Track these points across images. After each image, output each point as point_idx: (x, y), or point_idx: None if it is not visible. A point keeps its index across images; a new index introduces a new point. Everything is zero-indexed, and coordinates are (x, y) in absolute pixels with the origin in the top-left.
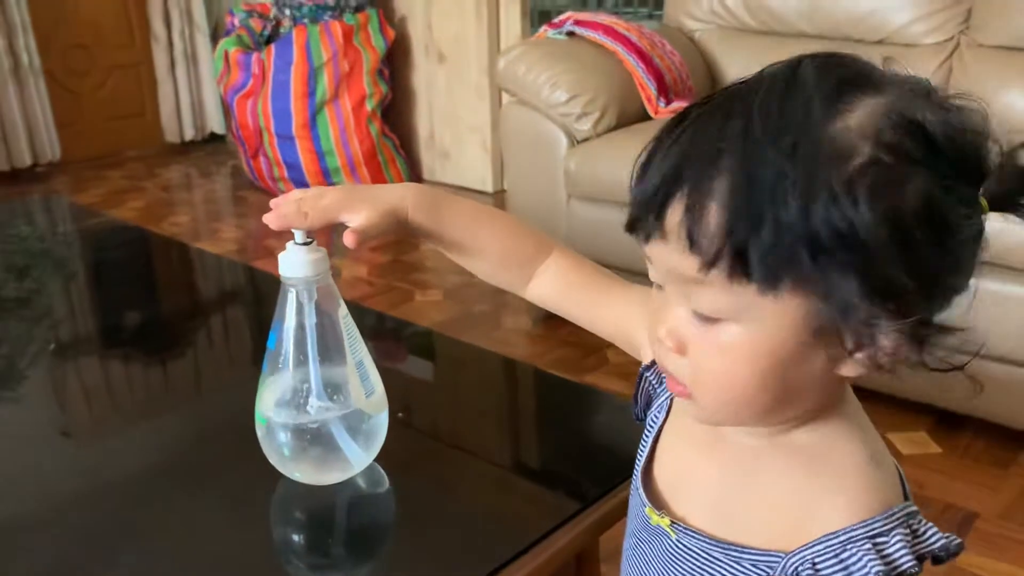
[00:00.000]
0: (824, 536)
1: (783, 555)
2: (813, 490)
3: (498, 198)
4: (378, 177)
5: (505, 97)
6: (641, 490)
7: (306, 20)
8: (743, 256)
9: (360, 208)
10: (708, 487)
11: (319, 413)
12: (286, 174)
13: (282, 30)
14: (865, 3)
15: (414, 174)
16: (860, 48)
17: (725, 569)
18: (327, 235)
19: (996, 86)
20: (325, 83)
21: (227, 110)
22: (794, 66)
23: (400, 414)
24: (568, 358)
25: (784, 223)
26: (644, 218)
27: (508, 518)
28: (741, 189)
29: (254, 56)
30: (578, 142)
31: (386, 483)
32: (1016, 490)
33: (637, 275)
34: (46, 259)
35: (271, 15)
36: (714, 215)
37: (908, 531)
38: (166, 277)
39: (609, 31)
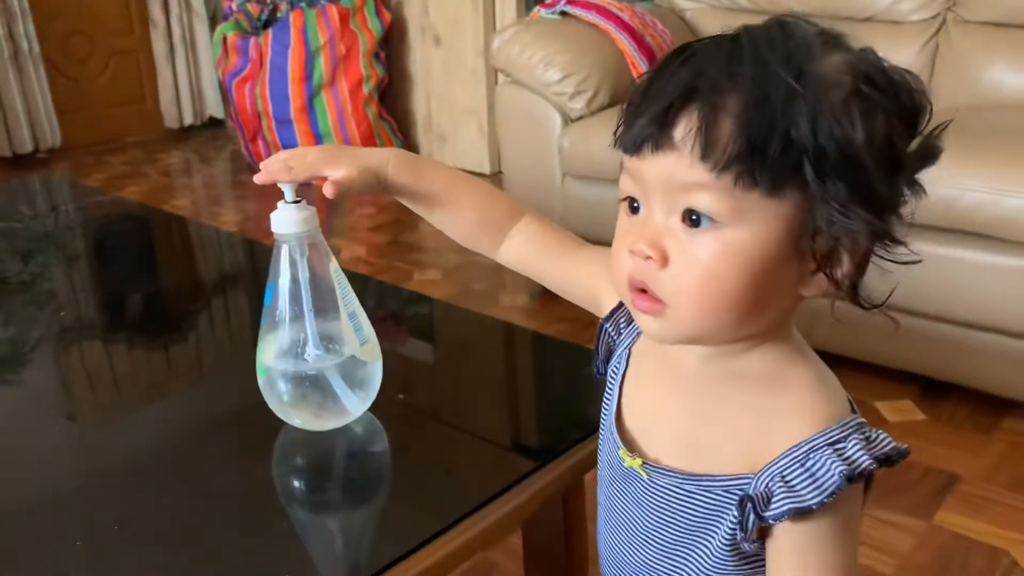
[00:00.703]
0: (788, 450)
1: (752, 476)
2: (771, 411)
3: (495, 180)
4: None
5: (500, 78)
6: (616, 435)
7: (303, 4)
8: (752, 163)
9: (342, 164)
10: (674, 425)
11: (315, 361)
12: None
13: (279, 14)
14: None
15: None
16: (848, 26)
17: (699, 500)
18: (323, 215)
19: (983, 62)
20: (322, 67)
21: (226, 95)
22: (778, 20)
23: (400, 395)
24: (564, 332)
25: (793, 136)
26: (650, 131)
27: (495, 459)
28: (754, 103)
29: (252, 40)
30: (572, 121)
31: (381, 429)
32: (998, 454)
33: None
34: (52, 236)
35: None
36: (727, 126)
37: (862, 437)
38: (173, 250)
39: (601, 10)
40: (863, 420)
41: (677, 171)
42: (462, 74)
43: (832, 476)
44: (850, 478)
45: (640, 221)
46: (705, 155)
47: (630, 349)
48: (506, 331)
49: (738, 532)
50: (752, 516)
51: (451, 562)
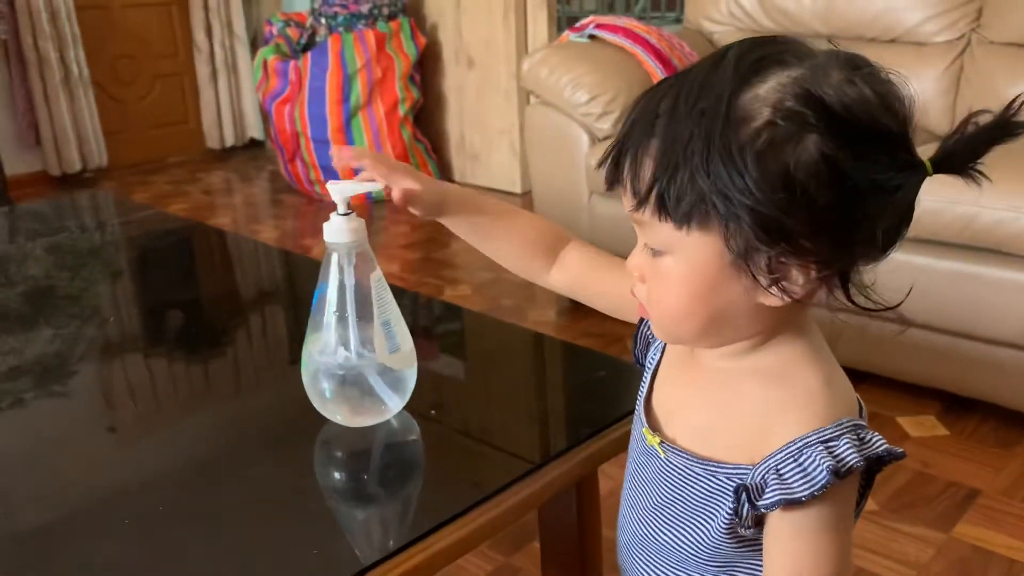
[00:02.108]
0: (784, 446)
1: (751, 467)
2: (774, 408)
3: (526, 199)
4: None
5: (531, 99)
6: (643, 415)
7: (341, 28)
8: (663, 199)
9: (415, 179)
10: (692, 412)
11: (352, 363)
12: (322, 177)
13: (318, 38)
14: (878, 3)
15: (445, 176)
16: (873, 47)
17: (704, 483)
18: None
19: (1006, 82)
20: (359, 89)
21: (266, 116)
22: (724, 50)
23: (433, 412)
24: (590, 346)
25: (691, 174)
26: (609, 171)
27: (515, 450)
28: (664, 146)
29: (291, 64)
30: (599, 140)
31: (414, 425)
32: (1019, 469)
33: None
34: (99, 248)
35: (307, 24)
36: (647, 167)
37: (855, 437)
38: (216, 262)
39: (629, 34)
40: (862, 423)
41: (626, 204)
42: (495, 96)
43: (821, 472)
44: (837, 473)
45: (638, 244)
46: (633, 193)
47: (665, 343)
48: (529, 338)
49: (735, 518)
50: (747, 505)
51: (473, 540)
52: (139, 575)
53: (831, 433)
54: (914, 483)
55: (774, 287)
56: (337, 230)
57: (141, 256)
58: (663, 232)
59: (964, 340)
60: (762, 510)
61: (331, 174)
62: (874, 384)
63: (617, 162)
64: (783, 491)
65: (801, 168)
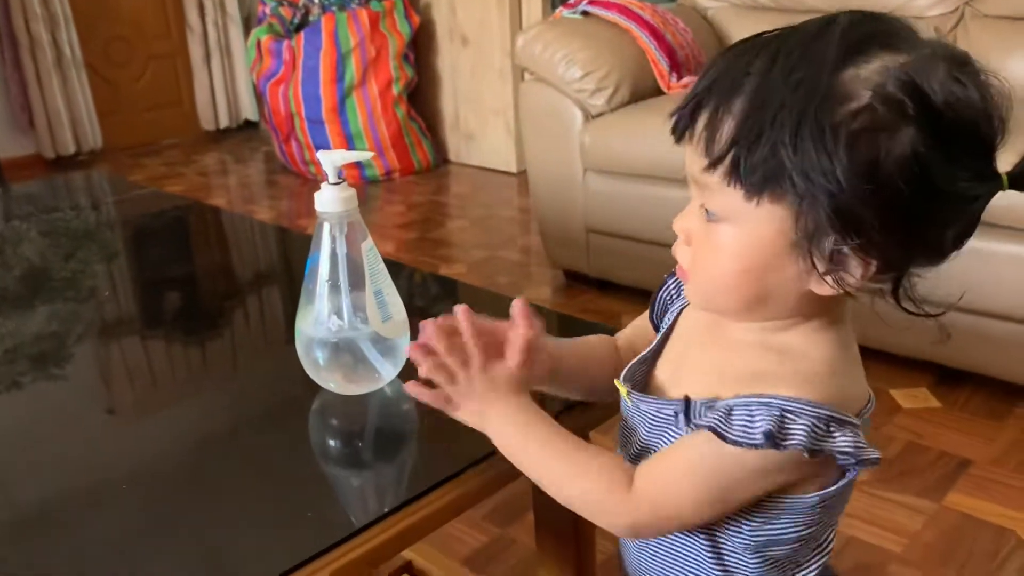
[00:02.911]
0: (752, 394)
1: (717, 400)
2: (768, 373)
3: (521, 179)
4: (405, 160)
5: (526, 76)
6: (624, 371)
7: (334, 7)
8: (737, 164)
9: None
10: (699, 374)
11: (345, 331)
12: (316, 157)
13: (311, 17)
14: None
15: (440, 156)
16: None
17: (675, 426)
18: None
19: (1000, 56)
20: (353, 68)
21: (260, 97)
22: (832, 17)
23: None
24: None
25: (775, 145)
26: (681, 121)
27: None
28: (751, 109)
29: (285, 43)
30: (593, 117)
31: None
32: (1010, 439)
33: (647, 243)
34: (96, 225)
35: (300, 3)
36: (727, 127)
37: (821, 426)
38: (212, 238)
39: (622, 10)
40: (845, 418)
41: (692, 162)
42: (489, 74)
43: (760, 430)
44: (769, 438)
45: (690, 202)
46: (707, 151)
47: (681, 309)
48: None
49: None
50: (682, 416)
51: (464, 503)
52: (134, 540)
53: (798, 407)
54: (906, 454)
55: (829, 276)
56: (328, 199)
57: (138, 234)
58: (728, 198)
59: (956, 313)
60: (693, 425)
61: None
62: (867, 358)
63: (693, 115)
64: (720, 424)
65: (891, 161)
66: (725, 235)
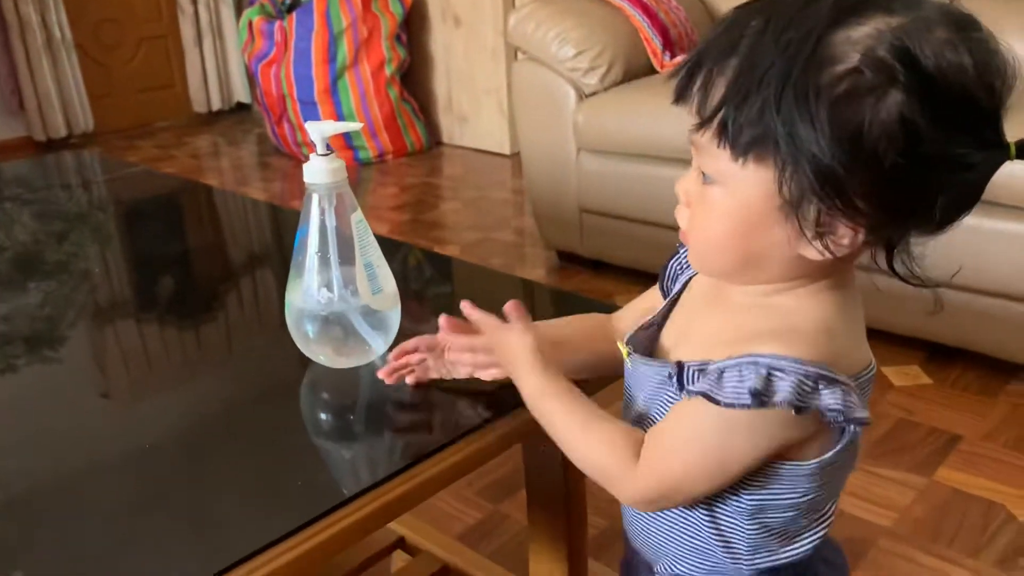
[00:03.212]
0: (742, 355)
1: (710, 363)
2: (761, 333)
3: (515, 160)
4: (398, 141)
5: (519, 56)
6: (627, 335)
7: None
8: (725, 125)
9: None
10: (701, 337)
11: (334, 303)
12: (309, 140)
13: None
14: None
15: (433, 138)
16: None
17: (671, 388)
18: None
19: (993, 32)
20: (345, 49)
21: (252, 79)
22: None
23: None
24: None
25: (762, 106)
26: (679, 82)
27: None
28: (741, 70)
29: (276, 24)
30: (586, 96)
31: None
32: (1000, 416)
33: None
34: (89, 204)
35: None
36: (719, 87)
37: (808, 383)
38: (204, 216)
39: None
40: (835, 377)
41: (689, 124)
42: (482, 55)
43: (746, 393)
44: (754, 396)
45: (691, 167)
46: (699, 111)
47: (690, 278)
48: (516, 284)
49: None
50: (676, 381)
51: (455, 472)
52: (126, 512)
53: (786, 365)
54: (897, 430)
55: (818, 241)
56: (317, 170)
57: (130, 213)
58: (719, 160)
59: (948, 290)
60: (686, 392)
61: None
62: None
63: (691, 75)
64: (712, 388)
65: (876, 125)
66: (716, 196)
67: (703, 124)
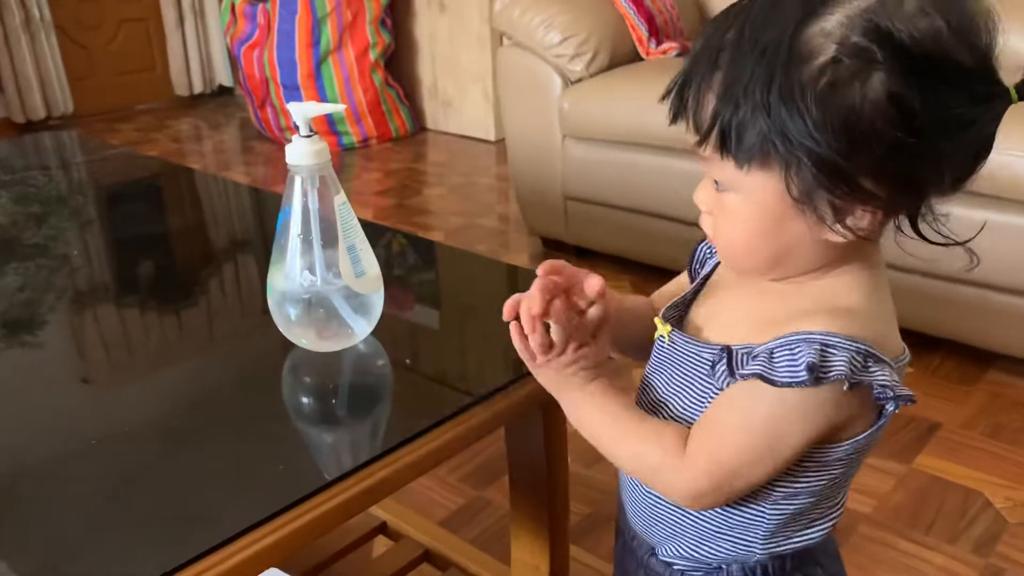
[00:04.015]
0: (790, 333)
1: (754, 345)
2: (803, 312)
3: (500, 147)
4: (382, 126)
5: (504, 42)
6: (660, 312)
7: None
8: (725, 137)
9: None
10: (733, 317)
11: (317, 286)
12: (292, 123)
13: None
14: None
15: (418, 124)
16: None
17: (707, 366)
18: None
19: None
20: (329, 33)
21: (234, 62)
22: None
23: (410, 359)
24: None
25: (752, 114)
26: (673, 104)
27: (480, 371)
28: (726, 83)
29: (260, 7)
30: (572, 83)
31: (381, 349)
32: (979, 404)
33: (625, 210)
34: (68, 186)
35: None
36: (710, 102)
37: (860, 359)
38: (185, 198)
39: None
40: (882, 357)
41: (690, 140)
42: (467, 40)
43: (802, 369)
44: (812, 370)
45: (704, 176)
46: (696, 127)
47: (719, 262)
48: (499, 269)
49: (711, 379)
50: (724, 367)
51: (438, 456)
52: (105, 497)
53: (837, 341)
54: None
55: (838, 225)
56: (299, 152)
57: (111, 195)
58: (725, 169)
59: (930, 280)
60: (738, 376)
61: None
62: None
63: (681, 94)
64: (765, 368)
65: (867, 108)
66: (733, 203)
67: (702, 140)
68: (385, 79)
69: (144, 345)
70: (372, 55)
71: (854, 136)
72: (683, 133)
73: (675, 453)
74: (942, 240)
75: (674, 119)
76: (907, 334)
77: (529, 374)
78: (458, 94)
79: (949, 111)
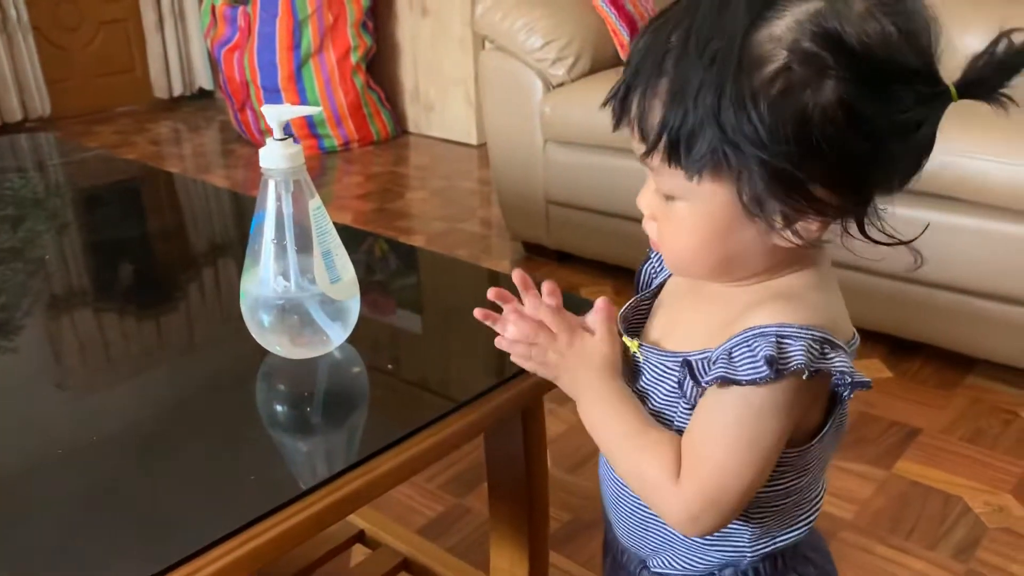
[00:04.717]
0: (744, 330)
1: (712, 350)
2: (755, 308)
3: (482, 151)
4: (363, 130)
5: (485, 46)
6: (620, 327)
7: None
8: (674, 147)
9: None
10: (688, 326)
11: (290, 291)
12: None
13: None
14: None
15: (399, 127)
16: None
17: (673, 375)
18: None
19: (960, 33)
20: (310, 36)
21: (214, 64)
22: None
23: (388, 365)
24: None
25: (702, 124)
26: (616, 111)
27: (458, 378)
28: (674, 91)
29: (240, 9)
30: (553, 87)
31: (357, 356)
32: (959, 409)
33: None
34: (45, 188)
35: None
36: (656, 111)
37: (816, 347)
38: (162, 201)
39: None
40: (836, 342)
41: (635, 148)
42: (449, 44)
43: (762, 363)
44: (772, 364)
45: (647, 182)
46: (642, 137)
47: (667, 278)
48: (479, 274)
49: (676, 392)
50: (689, 379)
51: (414, 465)
52: (75, 506)
53: (792, 332)
54: (858, 423)
55: (788, 231)
56: (273, 156)
57: (87, 198)
58: (674, 179)
59: (909, 284)
60: (703, 385)
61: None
62: None
63: (624, 100)
64: (727, 369)
65: (818, 116)
66: (681, 211)
67: (649, 151)
68: (366, 82)
69: (118, 351)
70: (353, 58)
71: (807, 143)
72: (635, 149)
73: (672, 476)
74: (887, 240)
75: (617, 125)
76: (886, 339)
77: (508, 380)
78: (440, 98)
79: (900, 114)
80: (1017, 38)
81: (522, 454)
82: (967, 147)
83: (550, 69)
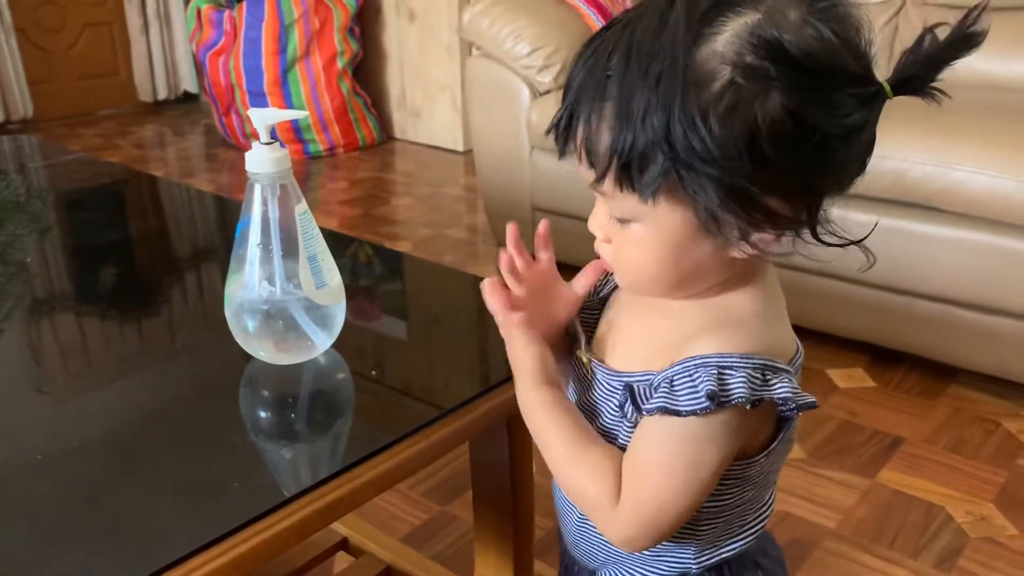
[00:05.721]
0: (686, 359)
1: (655, 374)
2: (698, 327)
3: (468, 158)
4: (349, 135)
5: (472, 52)
6: (580, 340)
7: None
8: (625, 171)
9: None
10: (633, 339)
11: (276, 297)
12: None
13: None
14: None
15: (385, 133)
16: None
17: (618, 396)
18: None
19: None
20: (296, 40)
21: (199, 68)
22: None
23: (373, 372)
24: None
25: (652, 147)
26: (559, 140)
27: (444, 386)
28: (620, 115)
29: (226, 13)
30: (540, 94)
31: (342, 362)
32: (942, 418)
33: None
34: (27, 190)
35: None
36: (603, 137)
37: (758, 375)
38: (144, 204)
39: None
40: (779, 366)
41: (584, 175)
42: (436, 50)
43: (703, 396)
44: (712, 398)
45: (599, 201)
46: (592, 165)
47: (613, 289)
48: (464, 281)
49: (620, 413)
50: (630, 404)
51: (399, 473)
52: (54, 513)
53: (734, 362)
54: (841, 432)
55: (744, 243)
56: (259, 160)
57: (69, 201)
58: (627, 203)
59: (891, 294)
60: (644, 413)
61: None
62: (804, 338)
63: (568, 128)
64: (667, 400)
65: (767, 128)
66: (637, 233)
67: (600, 177)
68: (352, 87)
69: (100, 355)
70: (340, 63)
71: (759, 156)
72: (583, 176)
73: (611, 498)
74: (840, 242)
75: (562, 154)
76: (869, 348)
77: (494, 387)
78: (426, 104)
79: (844, 118)
80: (941, 33)
81: (507, 462)
82: (949, 158)
83: (537, 76)
